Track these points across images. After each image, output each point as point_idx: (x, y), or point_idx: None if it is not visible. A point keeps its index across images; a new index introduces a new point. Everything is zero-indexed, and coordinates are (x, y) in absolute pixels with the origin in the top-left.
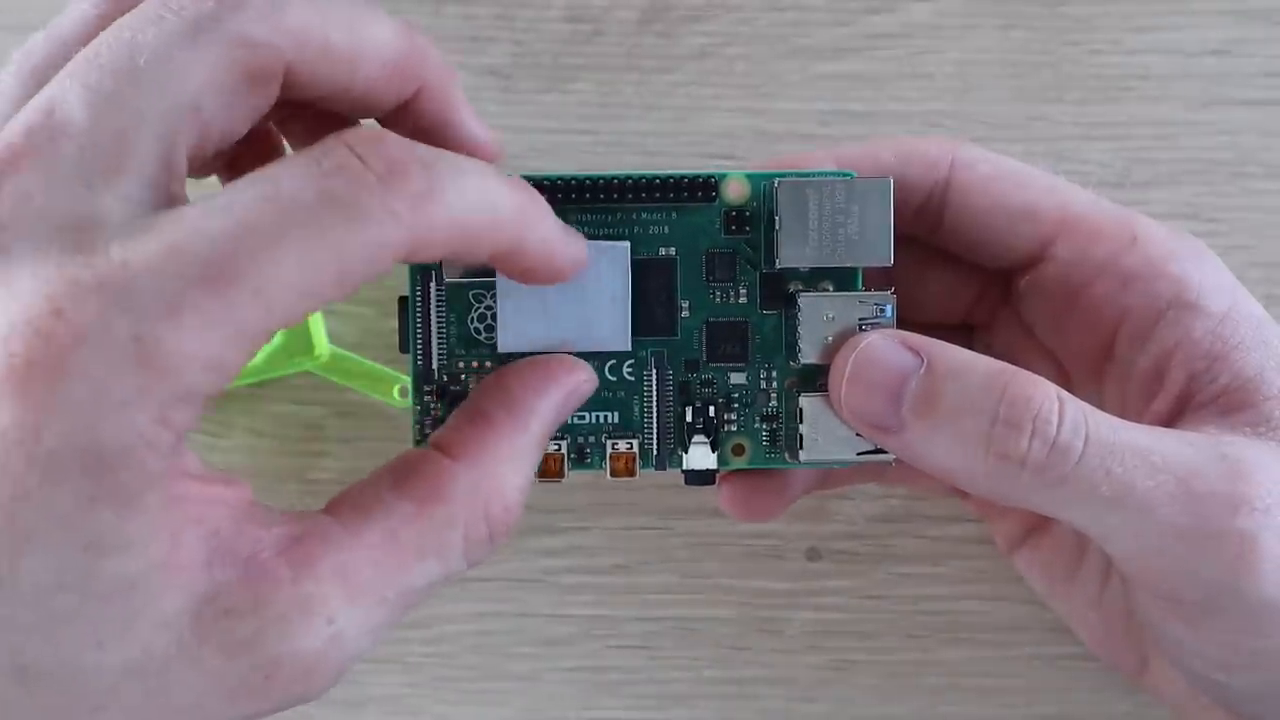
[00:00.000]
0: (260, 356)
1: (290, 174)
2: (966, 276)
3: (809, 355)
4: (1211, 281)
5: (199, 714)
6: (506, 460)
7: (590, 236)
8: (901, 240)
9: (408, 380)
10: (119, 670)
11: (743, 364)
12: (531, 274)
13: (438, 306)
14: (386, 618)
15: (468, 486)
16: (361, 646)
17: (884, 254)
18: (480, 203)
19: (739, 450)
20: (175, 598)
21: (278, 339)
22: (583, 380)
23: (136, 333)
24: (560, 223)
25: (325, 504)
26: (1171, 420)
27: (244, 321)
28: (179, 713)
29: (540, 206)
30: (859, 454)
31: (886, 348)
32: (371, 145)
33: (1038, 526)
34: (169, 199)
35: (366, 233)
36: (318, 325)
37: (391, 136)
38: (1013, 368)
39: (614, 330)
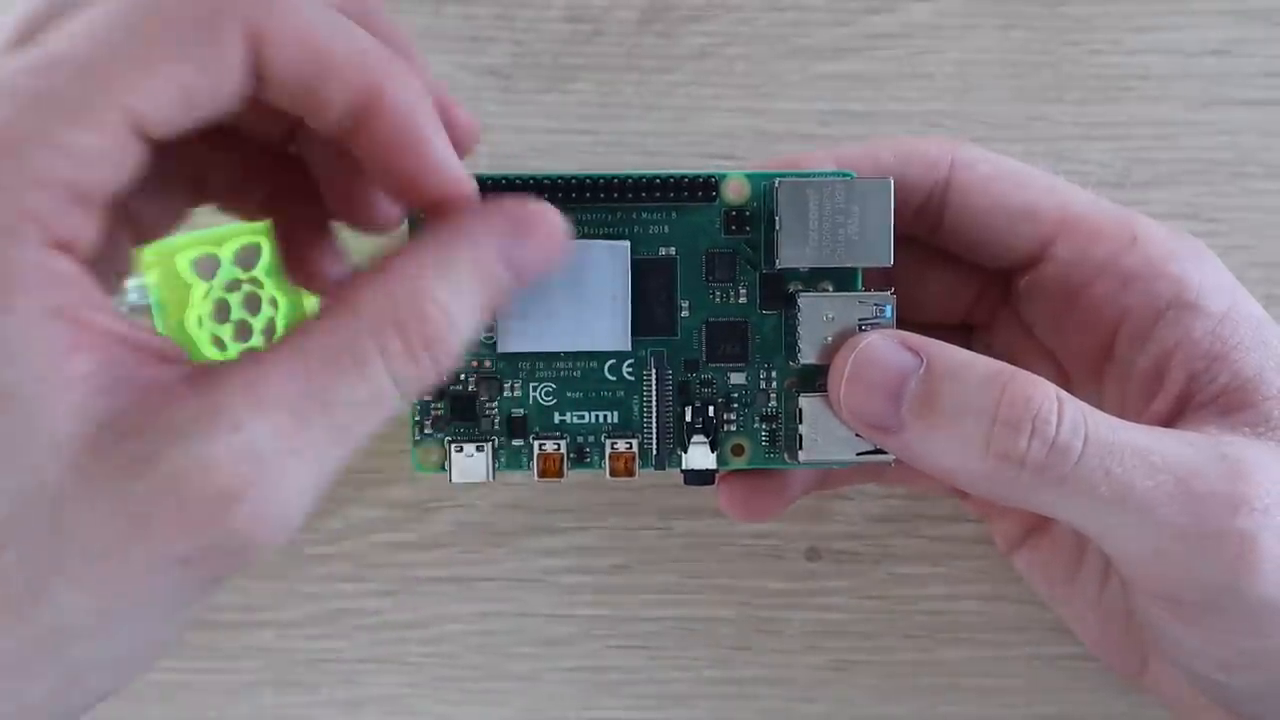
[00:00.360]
0: None
1: None
2: (966, 277)
3: (809, 355)
4: (1211, 281)
5: (115, 555)
6: (429, 269)
7: (591, 236)
8: (901, 240)
9: None
10: (12, 498)
11: (742, 364)
12: (401, 159)
13: None
14: (309, 437)
15: (378, 293)
16: (289, 473)
17: (884, 254)
18: (330, 22)
19: (738, 450)
20: (66, 420)
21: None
22: (547, 219)
23: None
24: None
25: None
26: (1171, 420)
27: (101, 133)
28: (92, 556)
29: (413, 65)
30: (858, 454)
31: (886, 348)
32: None
33: (1037, 527)
34: None
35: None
36: None
37: None
38: (1012, 368)
39: (614, 330)
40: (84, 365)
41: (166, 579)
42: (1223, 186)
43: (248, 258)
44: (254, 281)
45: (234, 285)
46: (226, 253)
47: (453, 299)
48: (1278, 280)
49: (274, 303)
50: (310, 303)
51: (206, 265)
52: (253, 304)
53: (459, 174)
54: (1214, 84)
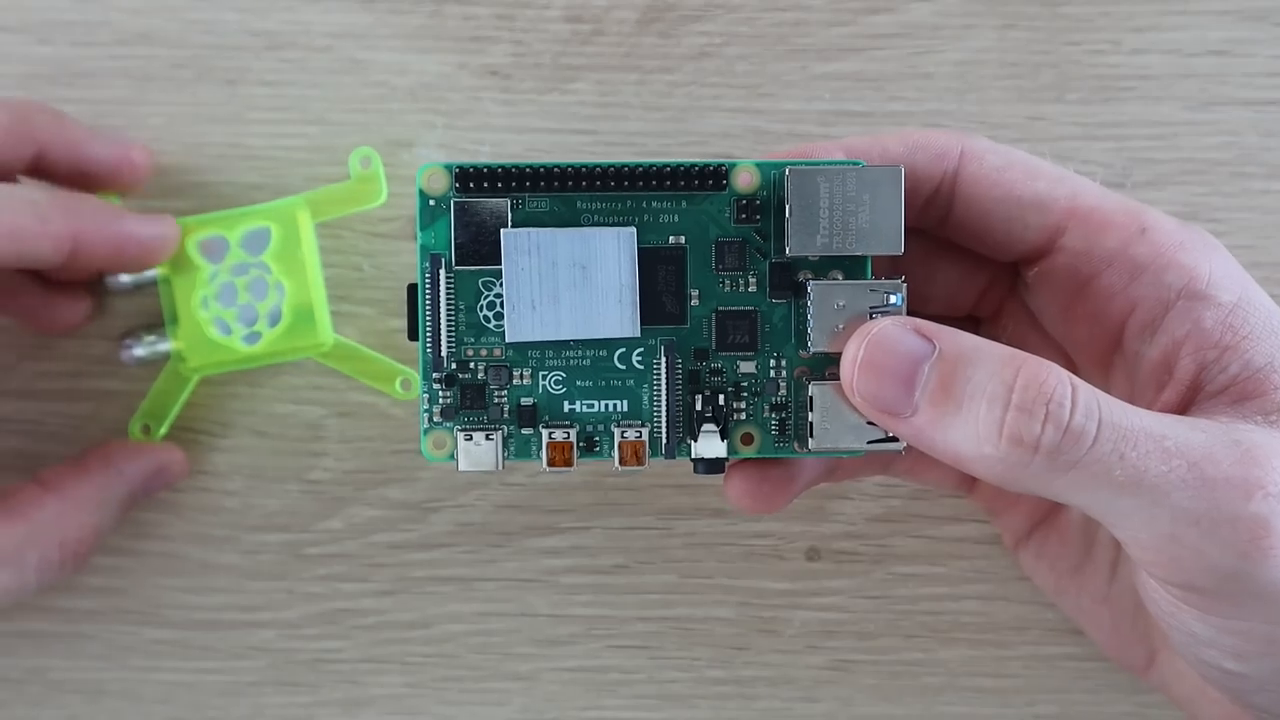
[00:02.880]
0: (263, 343)
1: None
2: (973, 269)
3: (819, 343)
4: (1221, 272)
5: None
6: (91, 502)
7: (599, 224)
8: (909, 233)
9: (411, 374)
10: None
11: (752, 353)
12: (117, 258)
13: (447, 294)
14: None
15: (53, 514)
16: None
17: (895, 242)
18: (17, 205)
19: (748, 439)
20: None
21: (283, 324)
22: (174, 461)
23: None
24: (122, 213)
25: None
26: (1181, 410)
27: None
28: None
29: (88, 198)
30: (869, 442)
31: (899, 334)
32: None
33: (1044, 521)
34: None
35: None
36: (322, 313)
37: None
38: (1025, 353)
39: (623, 317)
40: None
41: None
42: (1223, 186)
43: (256, 242)
44: (261, 266)
45: (241, 269)
46: (235, 236)
47: (100, 524)
48: (1279, 280)
49: (280, 288)
50: (318, 291)
51: (214, 247)
52: (259, 288)
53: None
54: (1214, 84)
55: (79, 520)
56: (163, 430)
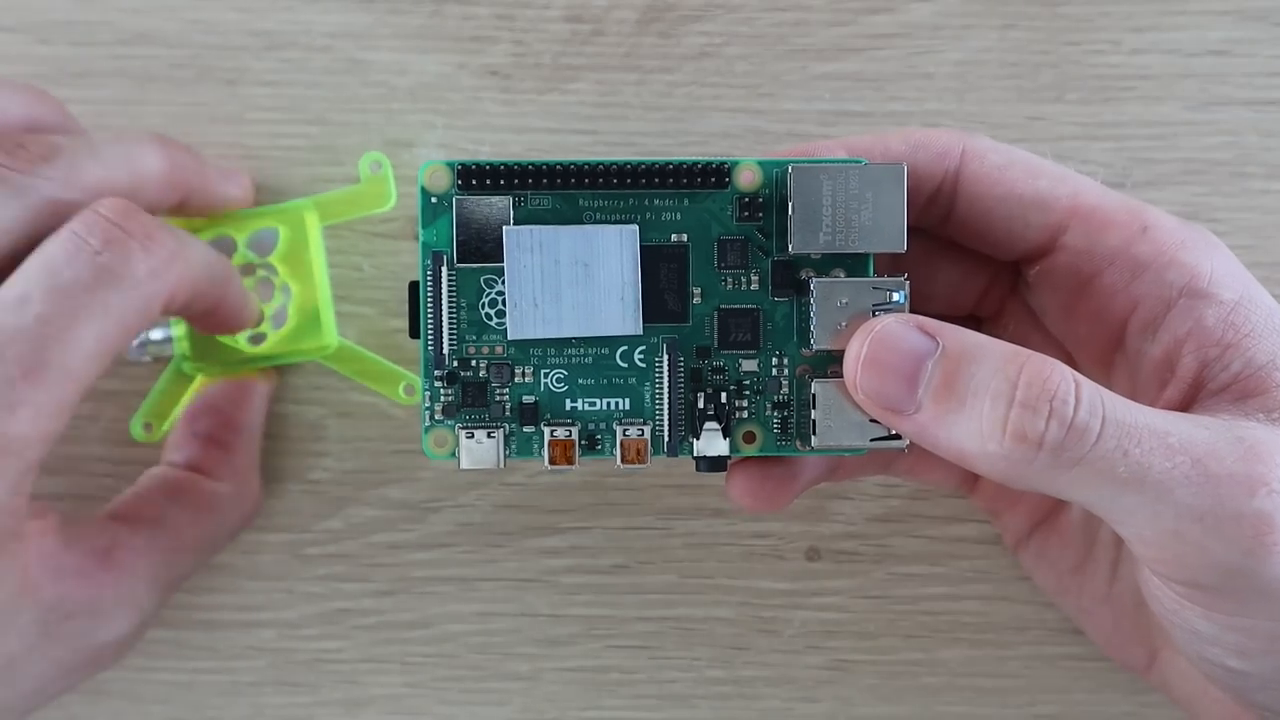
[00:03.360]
0: (269, 344)
1: (66, 256)
2: (975, 268)
3: (822, 341)
4: (1223, 270)
5: (42, 692)
6: (251, 471)
7: (601, 222)
8: (910, 232)
9: (415, 379)
10: None
11: (754, 351)
12: (224, 324)
13: (449, 292)
14: (173, 590)
15: (233, 500)
16: (157, 613)
17: (897, 240)
18: (205, 263)
19: (750, 438)
20: (27, 614)
21: (289, 325)
22: (264, 389)
23: None
24: (249, 292)
25: (114, 512)
26: (1183, 408)
27: (62, 397)
28: (26, 695)
29: (237, 273)
30: (871, 440)
31: (902, 331)
32: (127, 216)
33: (1045, 520)
34: None
35: (138, 292)
36: (328, 315)
37: (134, 206)
38: (1028, 350)
39: (625, 315)
40: (38, 573)
41: None
42: (1223, 186)
43: (263, 243)
44: (268, 267)
45: (248, 269)
46: (241, 236)
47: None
48: (1279, 280)
49: (287, 290)
50: (324, 293)
51: (220, 247)
52: (265, 290)
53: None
54: (1214, 84)
55: (253, 492)
56: (165, 427)
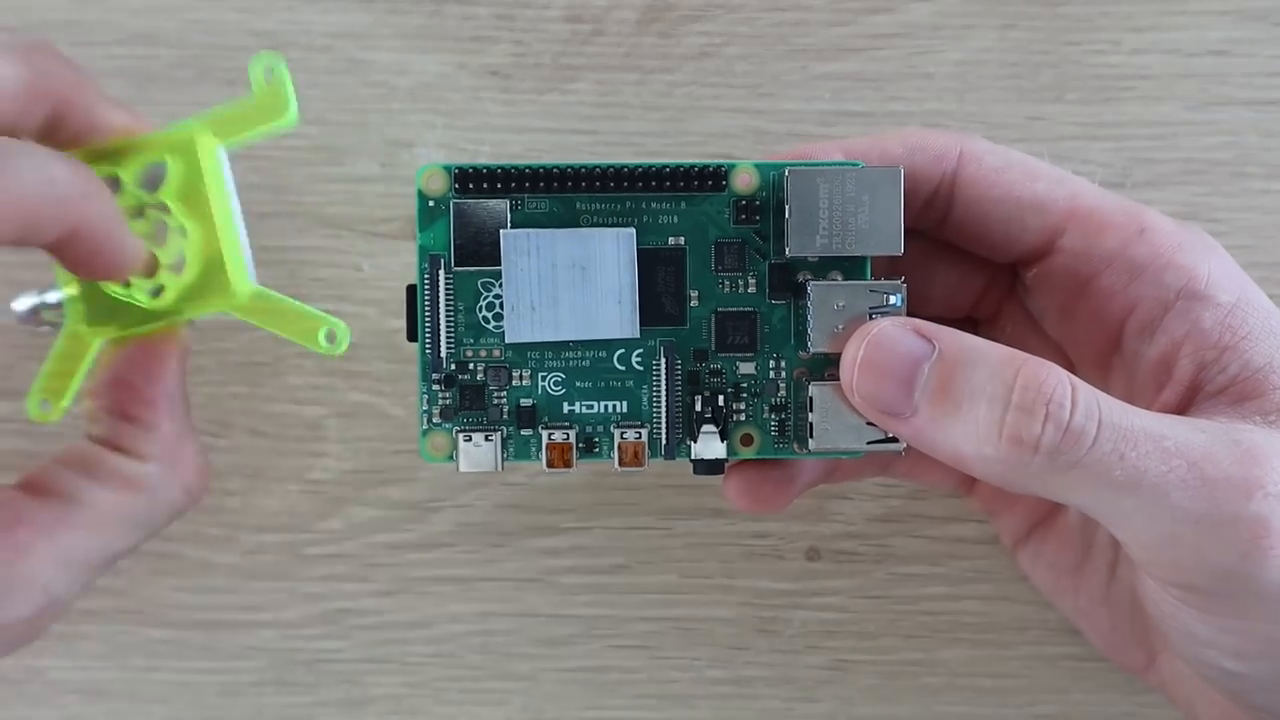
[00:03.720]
0: (169, 295)
1: None
2: (972, 270)
3: (819, 344)
4: (1220, 272)
5: None
6: (183, 444)
7: (598, 225)
8: (908, 234)
9: (339, 324)
10: None
11: (751, 354)
12: (93, 262)
13: (447, 295)
14: (95, 573)
15: (167, 480)
16: (72, 597)
17: (894, 243)
18: (39, 180)
19: (747, 440)
20: None
21: (189, 273)
22: (176, 351)
23: None
24: (122, 218)
25: (27, 484)
26: (1180, 411)
27: None
28: None
29: (102, 190)
30: (869, 443)
31: (898, 334)
32: None
33: (1043, 522)
34: None
35: None
36: (235, 259)
37: None
38: (1024, 354)
39: (622, 318)
40: None
41: None
42: (1223, 186)
43: (153, 178)
44: (161, 207)
45: (137, 212)
46: (128, 174)
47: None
48: (1278, 280)
49: (184, 232)
50: (228, 233)
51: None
52: (159, 233)
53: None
54: (1214, 84)
55: (187, 463)
56: (64, 403)
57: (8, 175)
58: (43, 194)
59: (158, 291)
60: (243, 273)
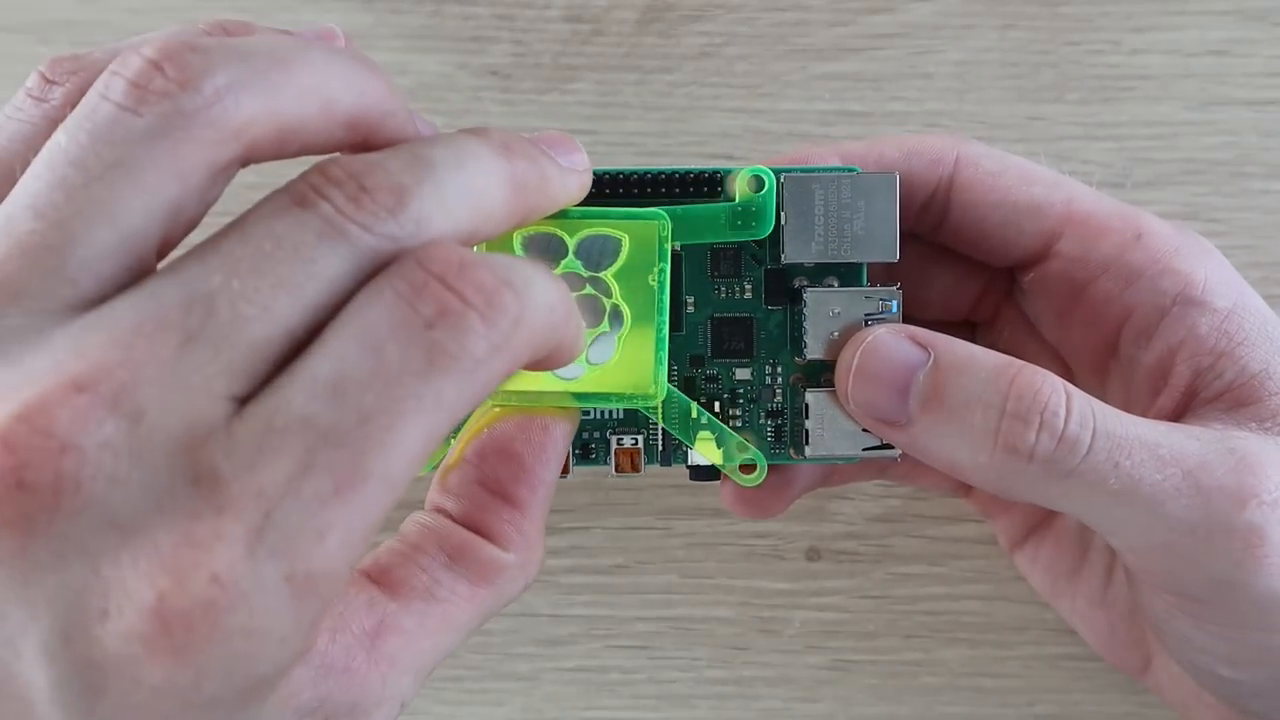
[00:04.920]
0: (586, 377)
1: (391, 329)
2: (969, 274)
3: (815, 350)
4: (1217, 277)
5: None
6: (540, 538)
7: None
8: (904, 238)
9: (756, 453)
10: None
11: (748, 360)
12: (547, 364)
13: None
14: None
15: (516, 574)
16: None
17: (890, 249)
18: (550, 312)
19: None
20: (289, 715)
21: (614, 358)
22: (567, 431)
23: (289, 573)
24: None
25: (377, 572)
26: (1176, 417)
27: (377, 514)
28: None
29: (573, 306)
30: (864, 449)
31: (893, 342)
32: (462, 273)
33: (1040, 525)
34: None
35: (477, 377)
36: (661, 354)
37: (474, 257)
38: (1019, 361)
39: None
40: (301, 673)
41: None
42: (1223, 186)
43: (598, 252)
44: (599, 284)
45: (573, 281)
46: (572, 239)
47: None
48: (1278, 280)
49: (618, 315)
50: (662, 329)
51: (544, 247)
52: (589, 310)
53: None
54: (1214, 84)
55: (536, 563)
56: (441, 455)
57: (528, 323)
58: (549, 327)
59: (574, 373)
60: (664, 371)
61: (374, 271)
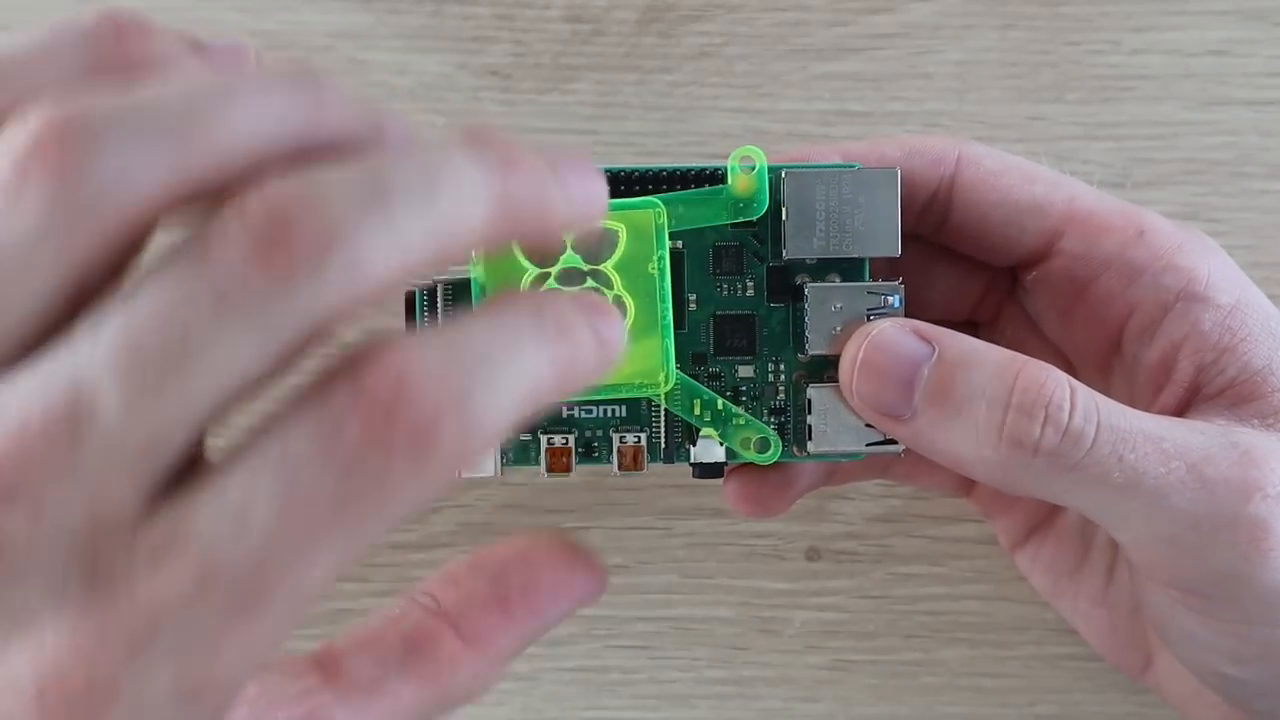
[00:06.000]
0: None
1: (309, 457)
2: (971, 274)
3: (817, 346)
4: (1219, 274)
5: None
6: (507, 663)
7: None
8: (906, 239)
9: (771, 434)
10: None
11: (750, 357)
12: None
13: (445, 303)
14: None
15: (470, 679)
16: None
17: (891, 245)
18: (519, 405)
19: (746, 444)
20: None
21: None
22: (596, 586)
23: (177, 677)
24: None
25: (328, 658)
26: (1179, 413)
27: (282, 628)
28: None
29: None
30: (868, 445)
31: (898, 336)
32: (398, 403)
33: (1041, 524)
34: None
35: (400, 511)
36: (668, 342)
37: (415, 372)
38: (1024, 356)
39: None
40: None
41: None
42: (1223, 186)
43: (595, 247)
44: (599, 276)
45: (573, 276)
46: (569, 236)
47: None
48: (1278, 280)
49: (620, 307)
50: (667, 318)
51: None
52: None
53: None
54: (1214, 84)
55: (496, 677)
56: None
57: (487, 418)
58: (509, 420)
59: None
60: (672, 358)
61: (296, 340)
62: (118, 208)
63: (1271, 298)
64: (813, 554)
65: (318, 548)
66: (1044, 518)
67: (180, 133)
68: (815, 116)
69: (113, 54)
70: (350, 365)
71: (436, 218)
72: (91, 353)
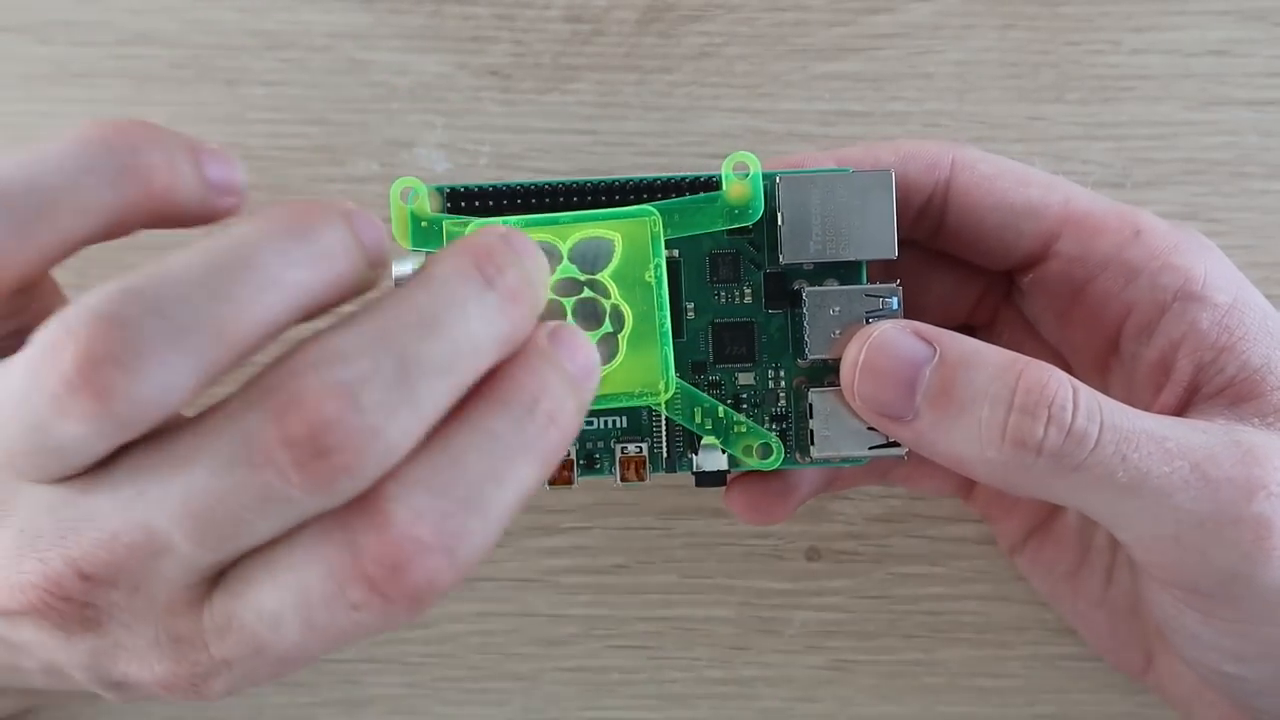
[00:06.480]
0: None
1: (323, 601)
2: (968, 278)
3: (817, 350)
4: (1216, 272)
5: None
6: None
7: None
8: (902, 244)
9: (771, 438)
10: None
11: (750, 364)
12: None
13: None
14: None
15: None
16: None
17: (888, 247)
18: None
19: (748, 451)
20: None
21: (619, 360)
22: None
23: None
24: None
25: None
26: (1179, 412)
27: (290, 670)
28: None
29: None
30: (870, 448)
31: (899, 337)
32: (394, 574)
33: (1040, 526)
34: None
35: (387, 630)
36: (667, 351)
37: (410, 536)
38: (1025, 357)
39: None
40: None
41: None
42: (1223, 186)
43: (593, 255)
44: (596, 286)
45: (570, 287)
46: (566, 245)
47: None
48: (1278, 280)
49: (618, 316)
50: (665, 325)
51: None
52: (588, 314)
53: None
54: (1214, 84)
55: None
56: None
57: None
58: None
59: None
60: (671, 366)
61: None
62: (154, 415)
63: (1271, 298)
64: (813, 554)
65: (328, 649)
66: (1043, 520)
67: (211, 326)
68: (815, 117)
69: (131, 184)
70: (358, 514)
71: (455, 376)
72: (161, 508)
